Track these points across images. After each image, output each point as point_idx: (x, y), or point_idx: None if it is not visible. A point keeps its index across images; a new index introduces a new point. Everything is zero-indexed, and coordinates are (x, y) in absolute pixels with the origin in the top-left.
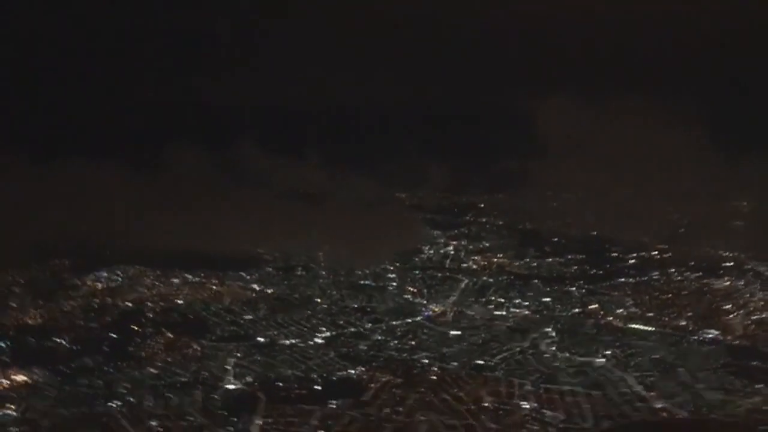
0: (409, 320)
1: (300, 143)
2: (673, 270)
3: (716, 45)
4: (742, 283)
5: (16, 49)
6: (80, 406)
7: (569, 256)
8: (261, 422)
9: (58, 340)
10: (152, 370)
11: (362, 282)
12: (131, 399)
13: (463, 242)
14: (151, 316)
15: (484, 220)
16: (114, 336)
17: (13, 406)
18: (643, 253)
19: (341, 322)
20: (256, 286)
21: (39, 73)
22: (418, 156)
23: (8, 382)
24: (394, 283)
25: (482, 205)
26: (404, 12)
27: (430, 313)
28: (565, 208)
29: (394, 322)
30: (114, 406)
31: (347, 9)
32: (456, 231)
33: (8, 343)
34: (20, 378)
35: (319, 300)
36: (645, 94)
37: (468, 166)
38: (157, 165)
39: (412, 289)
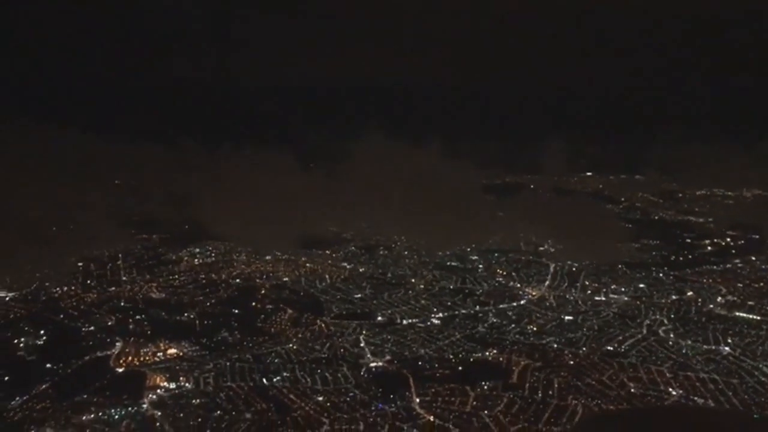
0: (515, 304)
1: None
2: (753, 258)
3: None
4: None
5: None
6: (245, 380)
7: (644, 242)
8: (419, 400)
9: (186, 314)
10: (291, 346)
11: (449, 263)
12: (286, 374)
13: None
14: (263, 292)
15: (537, 200)
16: (237, 312)
17: (183, 379)
18: (718, 240)
19: (449, 304)
20: (346, 264)
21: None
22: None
23: (162, 354)
24: (481, 266)
25: (532, 186)
26: None
27: (529, 296)
28: (613, 190)
29: (501, 305)
30: (276, 380)
31: None
32: (518, 212)
33: (143, 316)
34: (172, 351)
35: (413, 280)
36: None
37: (513, 146)
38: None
39: (501, 272)
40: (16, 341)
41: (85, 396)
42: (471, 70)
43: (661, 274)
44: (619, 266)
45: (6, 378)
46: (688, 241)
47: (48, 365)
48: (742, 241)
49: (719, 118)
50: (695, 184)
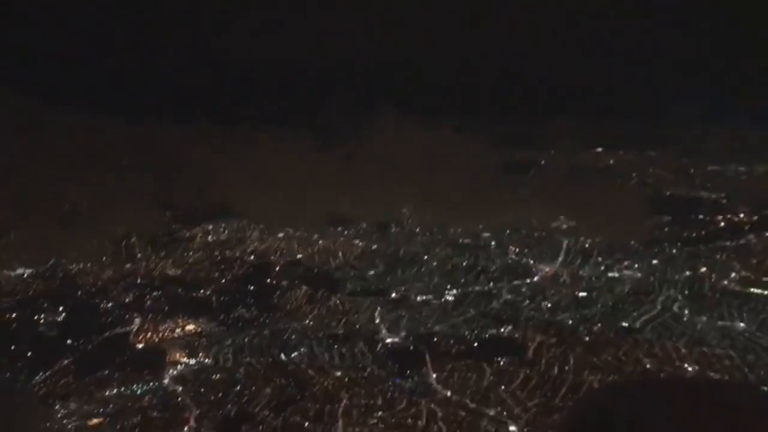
0: (528, 281)
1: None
2: (767, 234)
3: None
4: None
5: None
6: (264, 356)
7: (656, 218)
8: (435, 375)
9: (202, 291)
10: (308, 322)
11: (462, 240)
12: (304, 350)
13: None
14: (278, 269)
15: (549, 177)
16: (252, 288)
17: (203, 354)
18: (731, 216)
19: (462, 281)
20: (359, 242)
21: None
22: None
23: (181, 331)
24: (493, 242)
25: (543, 162)
26: None
27: (543, 273)
28: (624, 166)
29: (514, 282)
30: (294, 356)
31: None
32: (527, 188)
33: (160, 293)
34: (190, 327)
35: (426, 258)
36: None
37: (523, 123)
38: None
39: (514, 249)
40: (36, 317)
41: (107, 372)
42: (481, 45)
43: (674, 251)
44: (632, 242)
45: (29, 354)
46: (701, 217)
47: (69, 341)
48: (756, 217)
49: (731, 92)
50: (707, 160)
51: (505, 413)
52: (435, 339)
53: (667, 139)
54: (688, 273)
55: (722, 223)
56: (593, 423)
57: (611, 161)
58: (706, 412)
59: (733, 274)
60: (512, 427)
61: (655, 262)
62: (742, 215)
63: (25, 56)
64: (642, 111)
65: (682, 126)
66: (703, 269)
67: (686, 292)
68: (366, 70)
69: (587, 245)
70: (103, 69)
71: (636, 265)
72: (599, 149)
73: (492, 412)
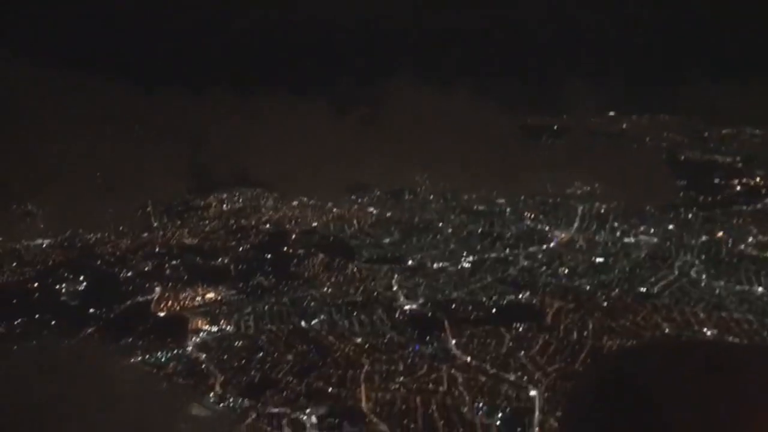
0: (544, 246)
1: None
2: None
3: None
4: None
5: None
6: (284, 323)
7: (671, 182)
8: (454, 341)
9: (220, 259)
10: (326, 289)
11: (476, 207)
12: (323, 317)
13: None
14: (294, 237)
15: (563, 142)
16: (269, 257)
17: (224, 322)
18: (747, 179)
19: (478, 248)
20: (373, 209)
21: None
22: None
23: (201, 299)
24: (508, 209)
25: (555, 127)
26: None
27: (559, 239)
28: (638, 130)
29: (531, 249)
30: (314, 323)
31: None
32: (539, 153)
33: (178, 261)
34: (210, 295)
35: (441, 224)
36: None
37: (534, 87)
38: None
39: (529, 215)
40: (57, 287)
41: (131, 340)
42: (495, 8)
43: (690, 215)
44: (648, 207)
45: (53, 322)
46: (717, 181)
47: (91, 310)
48: None
49: (744, 53)
50: (722, 123)
51: (525, 378)
52: (453, 305)
53: (680, 102)
54: (704, 238)
55: (738, 187)
56: (608, 386)
57: (624, 125)
58: (725, 376)
59: (750, 239)
60: (532, 392)
61: (671, 227)
62: (758, 179)
63: (42, 27)
64: (655, 74)
65: (695, 89)
66: (720, 234)
67: (703, 256)
68: (380, 35)
69: (603, 210)
70: (117, 36)
71: (652, 230)
72: (612, 113)
73: (512, 377)
